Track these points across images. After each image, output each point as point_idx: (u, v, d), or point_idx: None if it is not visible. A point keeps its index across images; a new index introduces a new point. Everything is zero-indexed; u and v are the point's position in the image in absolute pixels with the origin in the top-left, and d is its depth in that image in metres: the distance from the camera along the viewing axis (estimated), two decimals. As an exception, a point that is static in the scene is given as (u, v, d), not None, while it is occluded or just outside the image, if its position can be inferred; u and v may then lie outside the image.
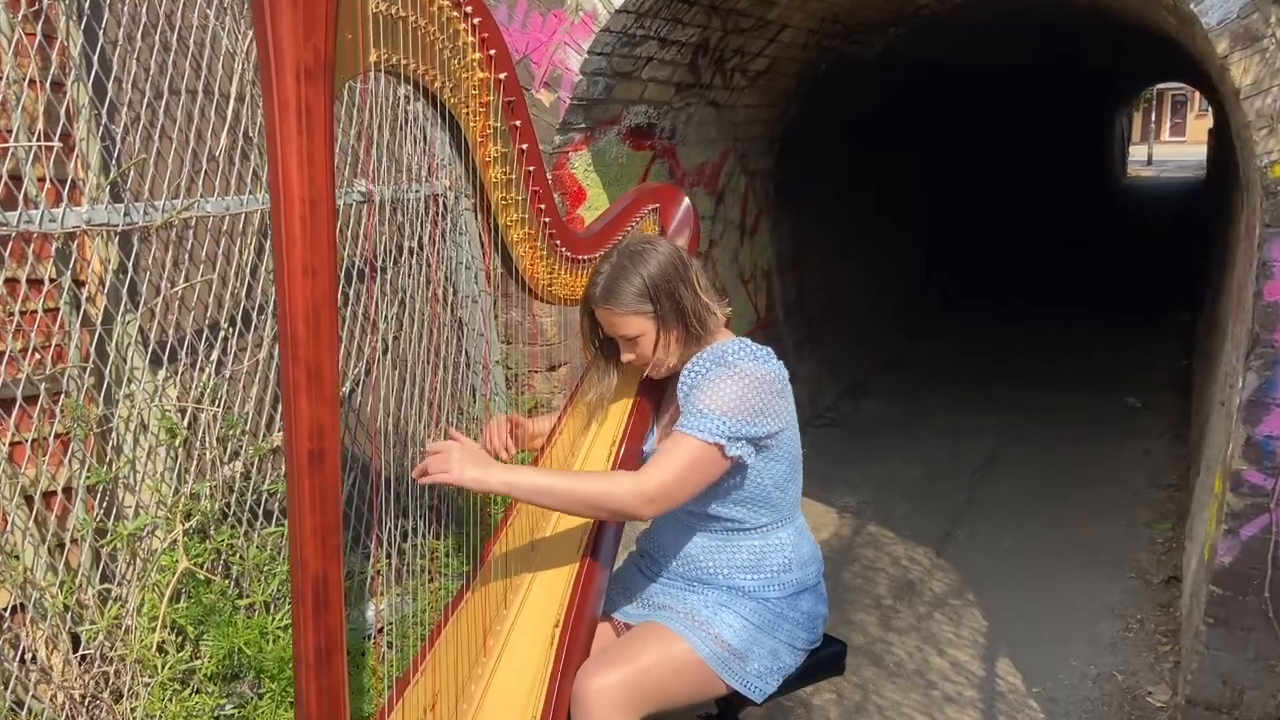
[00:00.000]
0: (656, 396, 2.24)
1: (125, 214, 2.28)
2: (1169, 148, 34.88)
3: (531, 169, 2.00)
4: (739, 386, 1.93)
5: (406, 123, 3.22)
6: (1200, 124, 33.61)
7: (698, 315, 2.03)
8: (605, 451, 2.19)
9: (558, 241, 2.14)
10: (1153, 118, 34.64)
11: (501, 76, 1.84)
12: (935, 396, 6.25)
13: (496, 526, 2.25)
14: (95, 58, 2.28)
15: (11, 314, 2.19)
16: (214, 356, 2.62)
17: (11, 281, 2.20)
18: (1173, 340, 7.54)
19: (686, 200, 2.50)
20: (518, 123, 1.92)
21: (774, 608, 2.07)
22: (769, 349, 2.04)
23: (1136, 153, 28.27)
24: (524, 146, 1.96)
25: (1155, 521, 4.26)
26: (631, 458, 2.14)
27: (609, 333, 2.10)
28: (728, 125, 4.56)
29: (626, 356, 2.10)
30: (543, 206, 2.06)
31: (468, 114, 1.83)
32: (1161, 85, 27.30)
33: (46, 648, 2.23)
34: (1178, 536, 4.05)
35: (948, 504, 4.51)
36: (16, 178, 2.18)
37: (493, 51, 1.81)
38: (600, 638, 2.10)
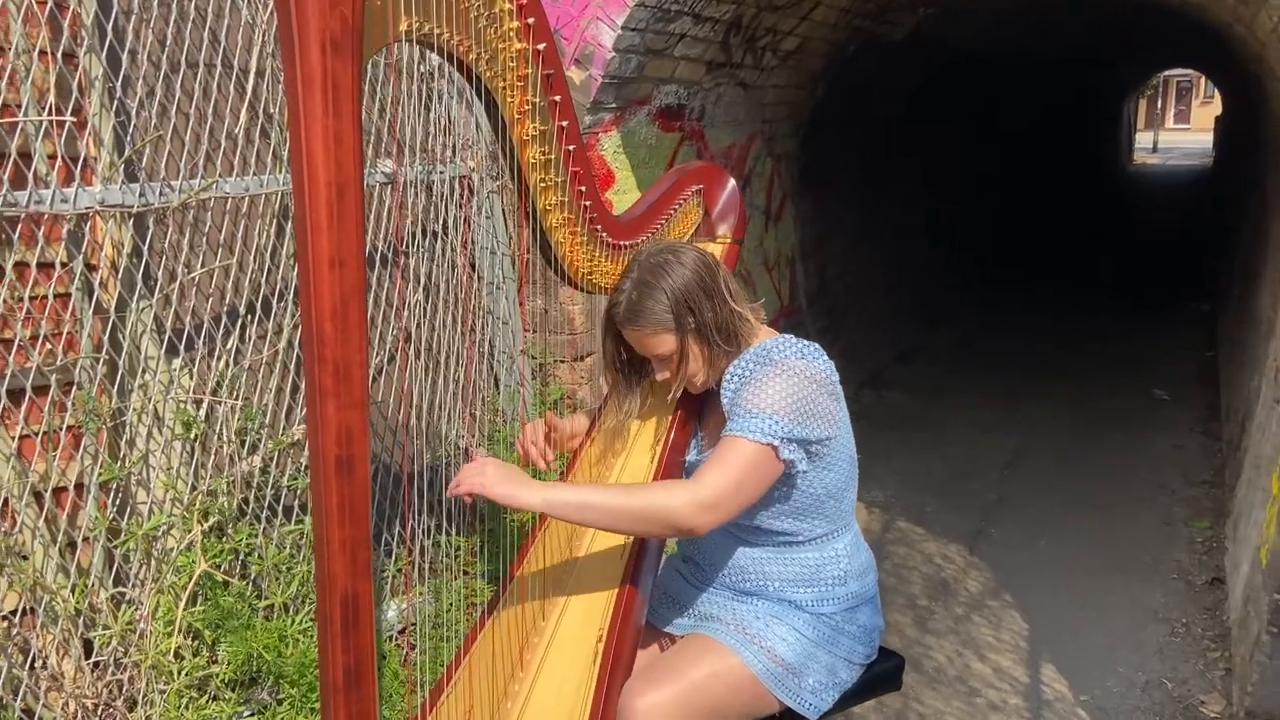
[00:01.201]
0: (696, 409, 2.10)
1: (140, 194, 2.15)
2: (1174, 135, 34.69)
3: (572, 148, 1.84)
4: (787, 383, 1.79)
5: (431, 99, 3.07)
6: (1205, 111, 33.42)
7: (727, 327, 1.88)
8: (647, 458, 2.06)
9: (598, 226, 1.99)
10: (1158, 105, 34.41)
11: (540, 47, 1.69)
12: (958, 388, 6.13)
13: (532, 529, 2.13)
14: (110, 27, 2.14)
15: (20, 300, 2.06)
16: (231, 345, 2.49)
17: (21, 266, 2.07)
18: (1192, 330, 7.42)
19: (732, 181, 2.37)
20: (557, 98, 1.77)
21: (831, 622, 1.94)
22: (816, 345, 1.90)
23: (1142, 140, 28.06)
24: (564, 124, 1.81)
25: (1193, 520, 4.14)
26: (673, 469, 2.00)
27: (640, 352, 1.96)
28: (755, 107, 4.42)
29: (661, 375, 1.95)
30: (583, 189, 1.92)
31: (504, 88, 1.68)
32: (1168, 72, 27.05)
33: (57, 653, 2.12)
34: (1217, 536, 3.93)
35: (977, 501, 4.39)
36: (26, 155, 2.04)
37: (531, 20, 1.66)
38: (641, 649, 1.98)
